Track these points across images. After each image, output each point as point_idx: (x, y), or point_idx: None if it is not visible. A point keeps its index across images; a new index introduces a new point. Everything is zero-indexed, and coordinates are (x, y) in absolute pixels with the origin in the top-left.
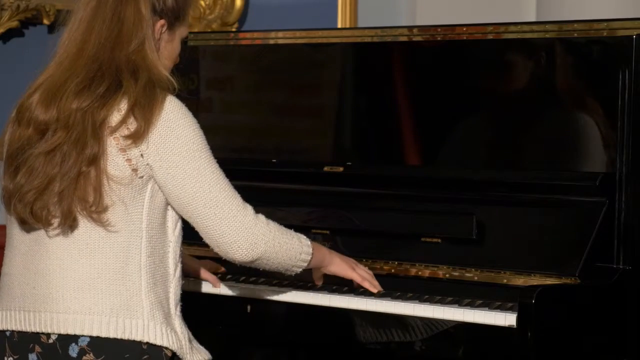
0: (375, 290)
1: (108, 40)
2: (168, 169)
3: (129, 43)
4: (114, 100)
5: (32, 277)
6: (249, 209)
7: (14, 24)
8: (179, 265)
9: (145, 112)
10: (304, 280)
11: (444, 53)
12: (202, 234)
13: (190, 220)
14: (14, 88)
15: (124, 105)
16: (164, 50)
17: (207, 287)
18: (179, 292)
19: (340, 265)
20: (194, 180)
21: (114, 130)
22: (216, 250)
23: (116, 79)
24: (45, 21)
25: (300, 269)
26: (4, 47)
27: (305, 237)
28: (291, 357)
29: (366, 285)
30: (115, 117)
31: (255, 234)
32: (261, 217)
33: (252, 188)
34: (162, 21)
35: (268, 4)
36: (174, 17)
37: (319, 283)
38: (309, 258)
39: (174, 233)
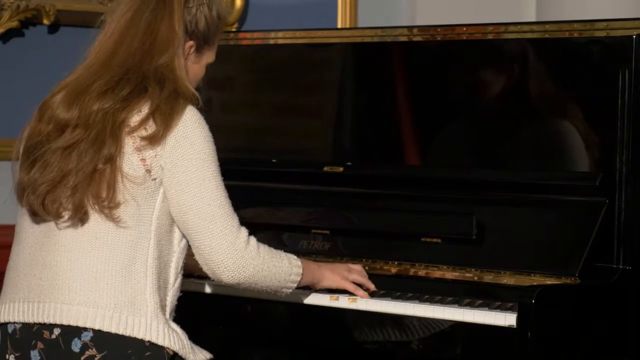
0: (365, 297)
1: (138, 51)
2: (175, 173)
3: (159, 56)
4: (136, 103)
5: (39, 269)
6: (243, 231)
7: (14, 24)
8: (179, 278)
9: (165, 117)
10: None
11: (444, 53)
12: (194, 248)
13: (185, 232)
14: (14, 88)
15: (145, 108)
16: (189, 70)
17: (207, 288)
18: (174, 302)
19: (331, 279)
20: (196, 189)
21: (133, 130)
22: (204, 268)
23: (141, 84)
24: (45, 21)
25: (290, 290)
26: (4, 47)
27: (295, 257)
28: (291, 357)
29: (359, 293)
30: (135, 118)
31: (245, 258)
32: (253, 241)
33: (252, 188)
34: (191, 42)
35: (268, 4)
36: (203, 41)
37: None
38: (299, 279)
39: (179, 245)
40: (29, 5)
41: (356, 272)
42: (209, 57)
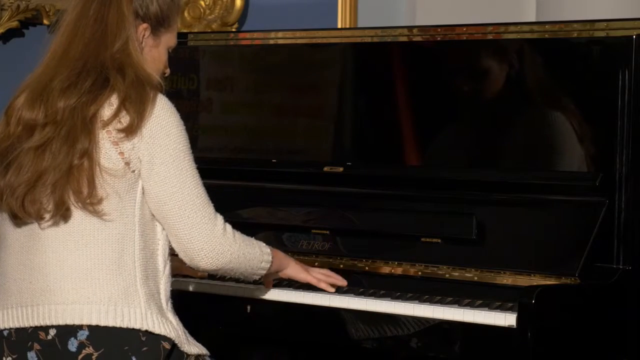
0: (332, 290)
1: (92, 41)
2: (153, 165)
3: (113, 43)
4: (103, 95)
5: (28, 272)
6: (220, 218)
7: (14, 24)
8: (168, 264)
9: (137, 106)
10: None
11: (444, 53)
12: (171, 236)
13: (163, 222)
14: (14, 88)
15: (114, 100)
16: (147, 54)
17: (207, 288)
18: (168, 288)
19: (295, 268)
20: (175, 179)
21: (107, 123)
22: (182, 255)
23: (102, 75)
24: (45, 21)
25: (260, 276)
26: (4, 47)
27: (265, 244)
28: (291, 357)
29: (322, 286)
30: (106, 111)
31: (223, 244)
32: (229, 228)
33: (252, 188)
34: (144, 25)
35: (268, 4)
36: (157, 23)
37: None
38: (269, 266)
39: (162, 232)
40: (29, 5)
41: (317, 271)
42: (169, 40)
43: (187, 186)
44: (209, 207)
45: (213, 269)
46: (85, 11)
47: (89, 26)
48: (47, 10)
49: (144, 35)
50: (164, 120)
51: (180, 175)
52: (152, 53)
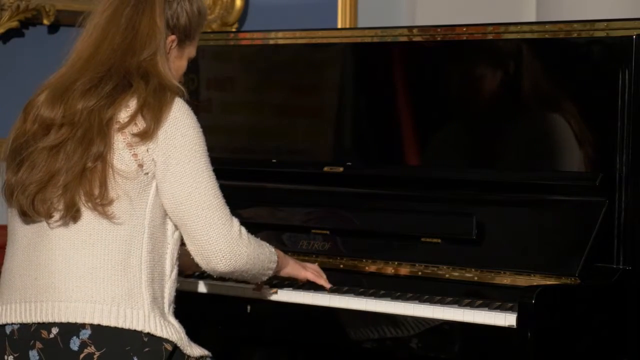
0: (328, 287)
1: (120, 47)
2: (169, 165)
3: (141, 51)
4: (122, 98)
5: (34, 268)
6: (235, 221)
7: (14, 24)
8: (175, 268)
9: (154, 112)
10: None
11: (444, 53)
12: (188, 238)
13: (179, 223)
14: (14, 88)
15: (132, 104)
16: (171, 65)
17: (206, 288)
18: (173, 293)
19: (295, 267)
20: (192, 179)
21: (123, 127)
22: (198, 259)
23: (125, 79)
24: (45, 21)
25: (267, 277)
26: (4, 47)
27: (270, 245)
28: (291, 357)
29: (321, 282)
30: (123, 115)
31: (239, 246)
32: (244, 230)
33: (252, 188)
34: (173, 37)
35: (268, 4)
36: (184, 35)
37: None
38: (275, 266)
39: (172, 236)
40: (29, 5)
41: (312, 267)
42: (191, 51)
43: (203, 186)
44: (226, 209)
45: (229, 272)
46: (116, 16)
47: (119, 32)
48: (47, 10)
49: (170, 47)
50: (180, 122)
51: (197, 175)
52: (176, 64)
